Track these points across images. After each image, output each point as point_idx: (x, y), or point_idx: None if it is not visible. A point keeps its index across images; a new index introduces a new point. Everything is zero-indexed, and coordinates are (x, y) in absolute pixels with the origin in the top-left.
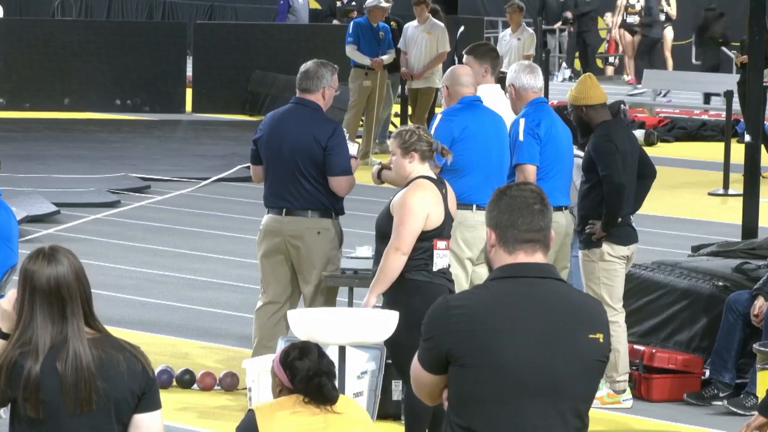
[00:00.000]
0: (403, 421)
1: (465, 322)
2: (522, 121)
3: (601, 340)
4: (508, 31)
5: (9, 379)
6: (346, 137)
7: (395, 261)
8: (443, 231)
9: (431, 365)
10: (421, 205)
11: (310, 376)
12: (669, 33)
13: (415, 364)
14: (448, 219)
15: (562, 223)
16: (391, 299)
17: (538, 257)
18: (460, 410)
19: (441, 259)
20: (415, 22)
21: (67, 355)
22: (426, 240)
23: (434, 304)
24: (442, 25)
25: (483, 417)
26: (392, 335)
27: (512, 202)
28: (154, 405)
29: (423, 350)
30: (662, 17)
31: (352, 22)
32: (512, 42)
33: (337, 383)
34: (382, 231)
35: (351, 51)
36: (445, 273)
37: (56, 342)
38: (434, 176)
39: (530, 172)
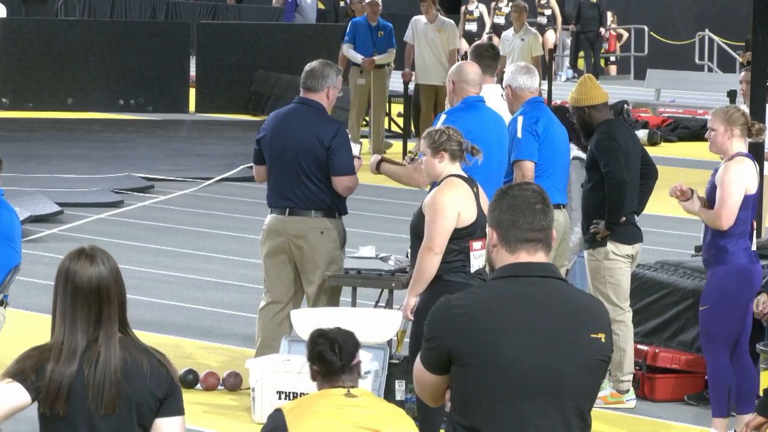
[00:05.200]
0: None
1: (467, 322)
2: (520, 119)
3: (603, 339)
4: (511, 31)
5: (38, 376)
6: (349, 137)
7: (429, 261)
8: (476, 230)
9: (433, 365)
10: (451, 204)
11: (313, 339)
12: (549, 36)
13: (418, 365)
14: (482, 217)
15: (561, 221)
16: (427, 300)
17: (539, 257)
18: (462, 410)
19: (477, 260)
20: (423, 18)
21: (96, 358)
22: (461, 239)
23: (436, 303)
24: (452, 22)
25: (485, 416)
26: (419, 335)
27: (514, 202)
28: (176, 411)
29: (425, 350)
30: (543, 20)
31: (350, 21)
32: (516, 42)
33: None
34: (415, 231)
35: (346, 49)
36: (481, 274)
37: (89, 344)
38: (465, 175)
39: (528, 168)
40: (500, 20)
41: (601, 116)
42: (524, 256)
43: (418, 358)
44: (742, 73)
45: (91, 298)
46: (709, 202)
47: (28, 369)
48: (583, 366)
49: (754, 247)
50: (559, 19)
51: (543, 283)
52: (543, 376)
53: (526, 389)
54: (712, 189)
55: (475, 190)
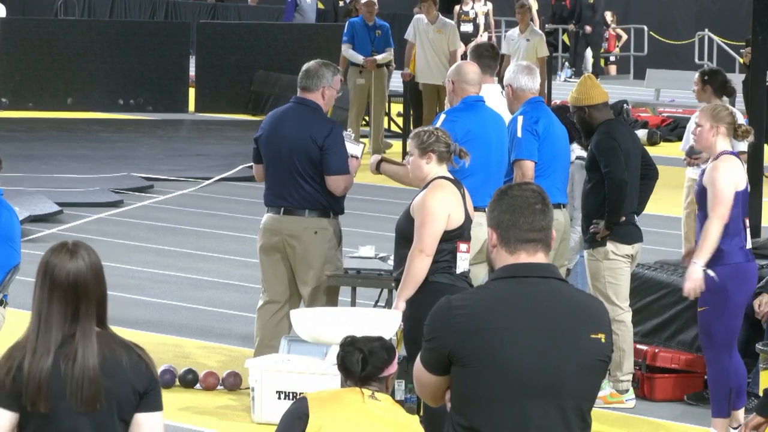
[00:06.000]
0: None
1: (467, 323)
2: (520, 119)
3: (603, 340)
4: (516, 30)
5: (14, 380)
6: (351, 137)
7: (420, 264)
8: (464, 232)
9: (433, 366)
10: (441, 206)
11: (342, 344)
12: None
13: (418, 365)
14: (468, 220)
15: (561, 220)
16: (414, 301)
17: (539, 257)
18: (462, 410)
19: (463, 261)
20: (425, 18)
21: (74, 354)
22: (449, 241)
23: (437, 304)
24: (453, 23)
25: (485, 417)
26: (410, 337)
27: (513, 202)
28: (156, 406)
29: (425, 351)
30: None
31: (348, 22)
32: (521, 42)
33: (377, 367)
34: (402, 234)
35: (346, 50)
36: (466, 276)
37: (65, 340)
38: (452, 177)
39: (529, 168)
40: (468, 27)
41: (602, 116)
42: (524, 257)
43: (418, 359)
44: (696, 76)
45: (68, 293)
46: (699, 204)
47: (4, 378)
48: (583, 366)
49: (749, 246)
50: (537, 20)
51: (543, 283)
52: (543, 377)
53: (526, 390)
54: (702, 190)
55: (461, 191)
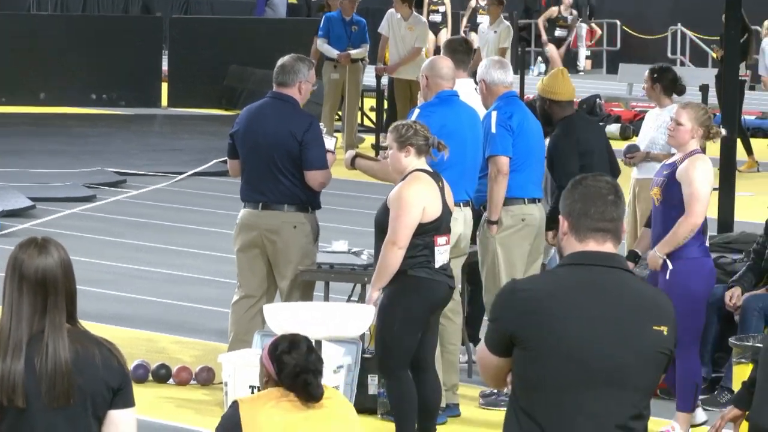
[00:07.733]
0: (379, 416)
1: (529, 306)
2: (494, 114)
3: (666, 332)
4: (486, 23)
5: None
6: (324, 132)
7: (393, 256)
8: (441, 225)
9: (496, 347)
10: (416, 198)
11: (296, 372)
12: (442, 36)
13: (482, 346)
14: (446, 213)
15: (537, 216)
16: (392, 295)
17: (608, 247)
18: (522, 394)
19: (441, 255)
20: (398, 14)
21: (45, 349)
22: (426, 234)
23: (503, 286)
24: (425, 20)
25: (544, 402)
26: (384, 330)
27: (586, 192)
28: (129, 402)
29: (490, 331)
30: (437, 18)
31: (324, 16)
32: (489, 35)
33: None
34: (380, 226)
35: (321, 44)
36: (446, 269)
37: (34, 335)
38: (431, 170)
39: (503, 163)
40: (436, 18)
41: (562, 112)
42: (593, 245)
43: (482, 340)
44: (645, 73)
45: (37, 288)
46: (664, 197)
47: None
48: (643, 357)
49: (707, 243)
50: (450, 17)
51: (609, 272)
52: (603, 366)
53: (585, 378)
54: (669, 184)
55: (440, 184)
